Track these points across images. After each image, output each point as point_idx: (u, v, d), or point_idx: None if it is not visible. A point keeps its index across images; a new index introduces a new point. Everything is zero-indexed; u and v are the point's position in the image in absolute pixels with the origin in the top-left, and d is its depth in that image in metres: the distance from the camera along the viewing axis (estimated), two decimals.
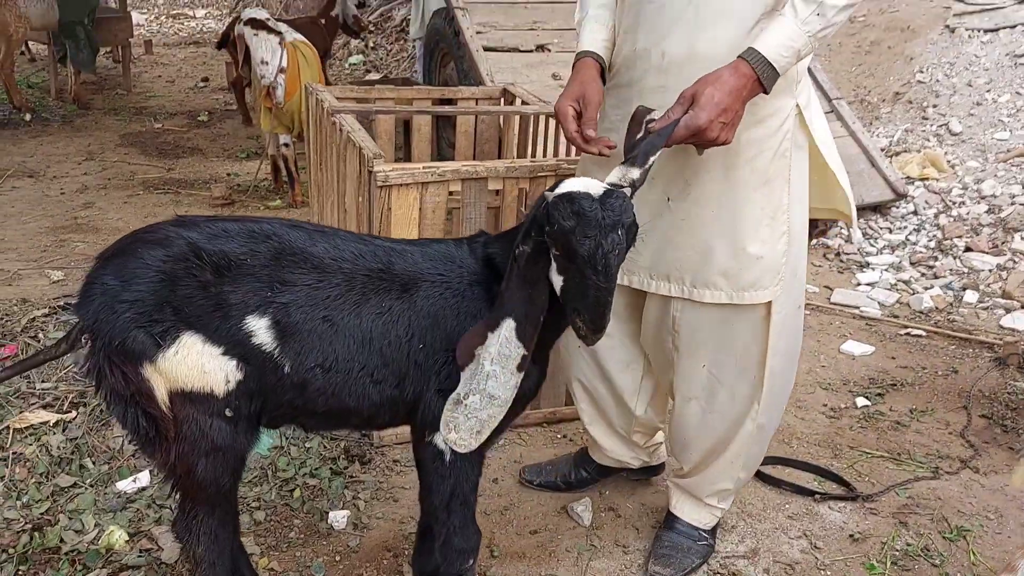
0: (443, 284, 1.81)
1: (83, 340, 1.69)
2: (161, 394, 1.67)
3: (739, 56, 1.78)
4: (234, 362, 1.69)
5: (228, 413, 1.72)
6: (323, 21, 6.88)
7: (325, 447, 2.78)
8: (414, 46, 7.25)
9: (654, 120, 1.79)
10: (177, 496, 1.85)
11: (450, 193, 2.65)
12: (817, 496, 2.66)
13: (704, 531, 2.40)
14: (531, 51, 4.88)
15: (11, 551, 2.24)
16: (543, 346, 1.90)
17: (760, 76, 1.77)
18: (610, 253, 1.57)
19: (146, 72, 9.00)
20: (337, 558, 2.36)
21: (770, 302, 2.05)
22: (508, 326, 1.68)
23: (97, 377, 1.68)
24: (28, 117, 6.89)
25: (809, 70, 2.07)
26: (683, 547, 2.36)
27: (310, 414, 1.82)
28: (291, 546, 2.39)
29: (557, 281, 1.66)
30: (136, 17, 12.56)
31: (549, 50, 4.88)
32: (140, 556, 2.27)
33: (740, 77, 1.76)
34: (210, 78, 8.76)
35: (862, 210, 4.56)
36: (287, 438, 2.77)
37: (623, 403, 2.41)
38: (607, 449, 2.54)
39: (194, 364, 1.66)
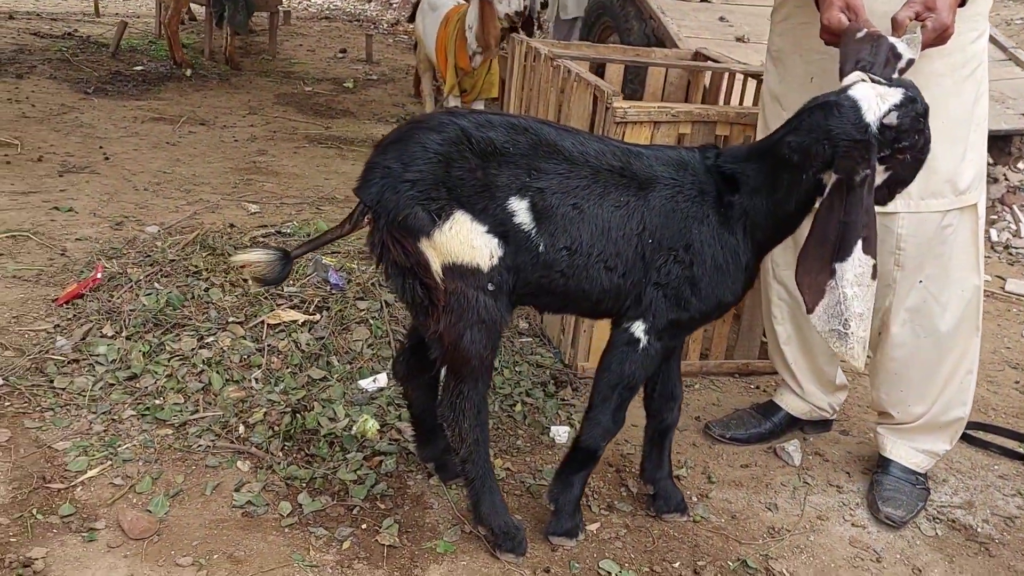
0: (675, 187, 1.96)
1: (365, 220, 1.89)
2: (436, 267, 1.85)
3: None
4: (496, 240, 1.87)
5: (490, 287, 1.89)
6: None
7: (534, 373, 2.91)
8: (552, 28, 7.34)
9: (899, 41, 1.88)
10: (443, 376, 2.01)
11: (680, 136, 2.76)
12: None
13: (920, 475, 2.46)
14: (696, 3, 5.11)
15: (276, 428, 2.42)
16: (761, 254, 2.07)
17: None
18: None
19: (287, 41, 9.31)
20: None
21: (976, 204, 2.22)
22: (858, 246, 1.78)
23: (380, 251, 1.87)
24: (188, 73, 7.21)
25: None
26: (903, 490, 2.42)
27: (549, 293, 1.98)
28: (520, 452, 2.52)
29: (879, 179, 1.82)
30: None
31: (712, 1, 5.09)
32: (391, 445, 2.43)
33: None
34: (347, 50, 9.03)
35: None
36: (500, 360, 2.91)
37: None
38: (805, 392, 2.62)
39: (464, 239, 1.84)
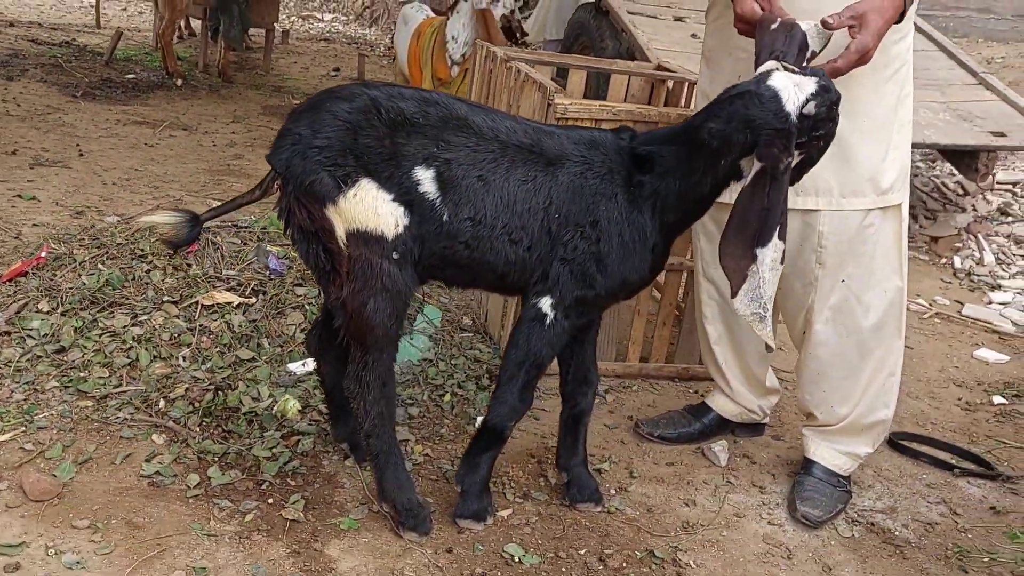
0: (584, 164, 2.00)
1: (276, 186, 1.94)
2: (340, 232, 1.88)
3: None
4: (402, 208, 1.89)
5: (395, 256, 1.91)
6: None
7: (470, 367, 2.91)
8: (539, 47, 7.44)
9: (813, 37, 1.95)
10: (347, 344, 2.03)
11: None
12: (956, 471, 2.67)
13: (842, 477, 2.45)
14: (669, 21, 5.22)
15: (196, 404, 2.43)
16: (670, 236, 2.11)
17: (905, 7, 1.99)
18: None
19: (282, 59, 9.44)
20: None
21: (900, 205, 2.24)
22: (776, 232, 1.83)
23: (287, 216, 1.92)
24: (179, 83, 7.30)
25: None
26: (824, 491, 2.41)
27: (455, 265, 2.00)
28: (443, 439, 2.52)
29: (792, 162, 1.86)
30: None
31: (686, 21, 5.19)
32: (310, 425, 2.43)
33: (895, 8, 1.98)
34: (341, 68, 9.15)
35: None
36: (436, 353, 2.92)
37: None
38: (735, 393, 2.62)
39: (369, 207, 1.87)
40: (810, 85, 1.82)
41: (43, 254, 2.95)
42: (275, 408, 2.44)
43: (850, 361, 2.35)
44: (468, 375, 2.85)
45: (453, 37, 5.04)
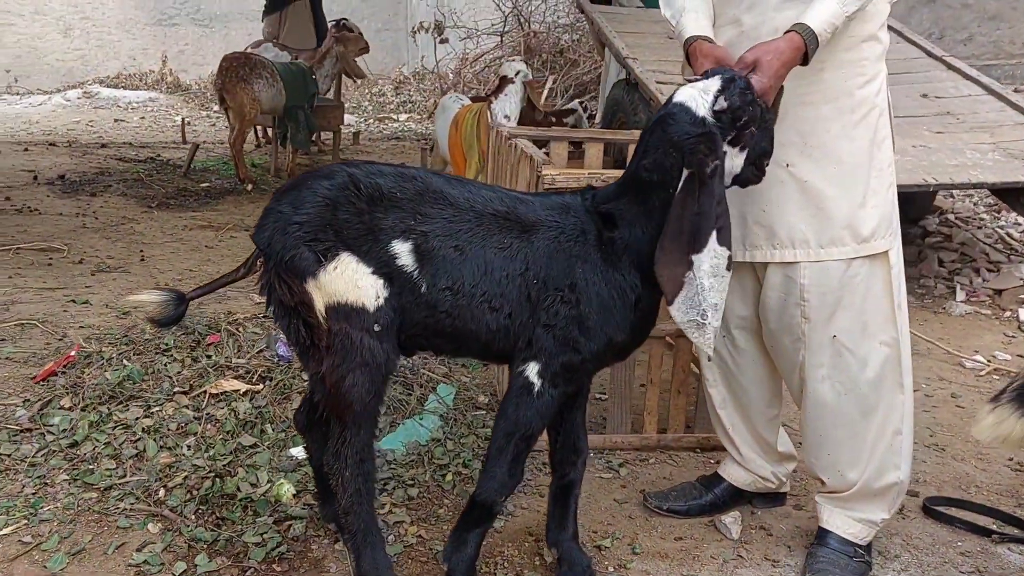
0: (558, 229, 2.00)
1: (258, 263, 1.98)
2: (320, 306, 1.91)
3: (793, 29, 1.96)
4: (382, 281, 1.92)
5: (376, 328, 1.93)
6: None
7: (479, 446, 2.87)
8: None
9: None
10: (327, 420, 2.06)
11: None
12: (995, 537, 2.44)
13: (860, 547, 2.28)
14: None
15: (195, 492, 2.47)
16: (656, 287, 2.02)
17: (808, 47, 1.95)
18: None
19: (351, 158, 9.87)
20: None
21: (887, 252, 2.13)
22: (713, 238, 1.84)
23: (268, 291, 1.96)
24: (249, 187, 7.68)
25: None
26: (839, 563, 2.25)
27: (438, 335, 2.01)
28: (439, 520, 2.47)
29: (739, 159, 1.91)
30: (348, 119, 13.87)
31: None
32: (304, 509, 2.43)
33: (793, 49, 1.95)
34: (406, 164, 9.49)
35: None
36: (445, 433, 2.90)
37: (764, 401, 2.41)
38: (746, 460, 2.49)
39: (349, 280, 1.90)
40: (714, 83, 1.90)
41: (73, 353, 3.10)
42: (270, 492, 2.45)
43: (852, 421, 2.21)
44: (476, 453, 2.81)
45: (507, 116, 5.19)
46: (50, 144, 9.52)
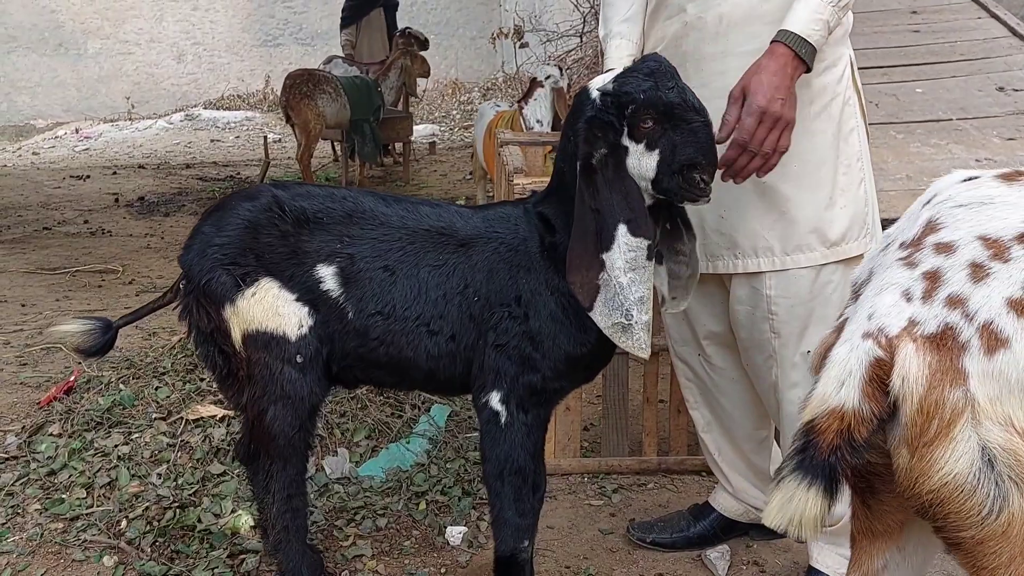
0: (498, 240, 1.84)
1: (181, 286, 1.90)
2: (236, 335, 1.83)
3: (772, 41, 1.74)
4: (306, 308, 1.82)
5: (299, 359, 1.82)
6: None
7: (466, 470, 2.72)
8: None
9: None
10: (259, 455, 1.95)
11: None
12: None
13: None
14: None
15: (155, 523, 2.42)
16: None
17: (797, 52, 1.71)
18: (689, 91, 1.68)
19: (425, 168, 9.86)
20: (443, 571, 2.27)
21: (862, 257, 1.80)
22: (621, 231, 1.67)
23: (187, 316, 1.88)
24: None
25: None
26: None
27: (375, 365, 1.89)
28: (402, 554, 2.34)
29: (651, 161, 1.67)
30: (433, 128, 13.97)
31: None
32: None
33: (778, 58, 1.72)
34: (474, 171, 9.43)
35: None
36: (431, 456, 2.76)
37: (751, 423, 2.15)
38: (736, 488, 2.24)
39: (269, 306, 1.81)
40: (617, 69, 1.78)
41: (72, 378, 3.13)
42: (225, 524, 2.37)
43: None
44: (459, 479, 2.66)
45: (539, 121, 5.04)
46: (139, 167, 9.95)
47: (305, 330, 1.82)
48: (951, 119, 3.53)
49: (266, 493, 1.94)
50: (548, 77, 4.88)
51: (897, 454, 1.14)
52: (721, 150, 1.73)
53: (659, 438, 2.77)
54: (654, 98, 1.64)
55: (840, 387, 1.14)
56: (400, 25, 10.22)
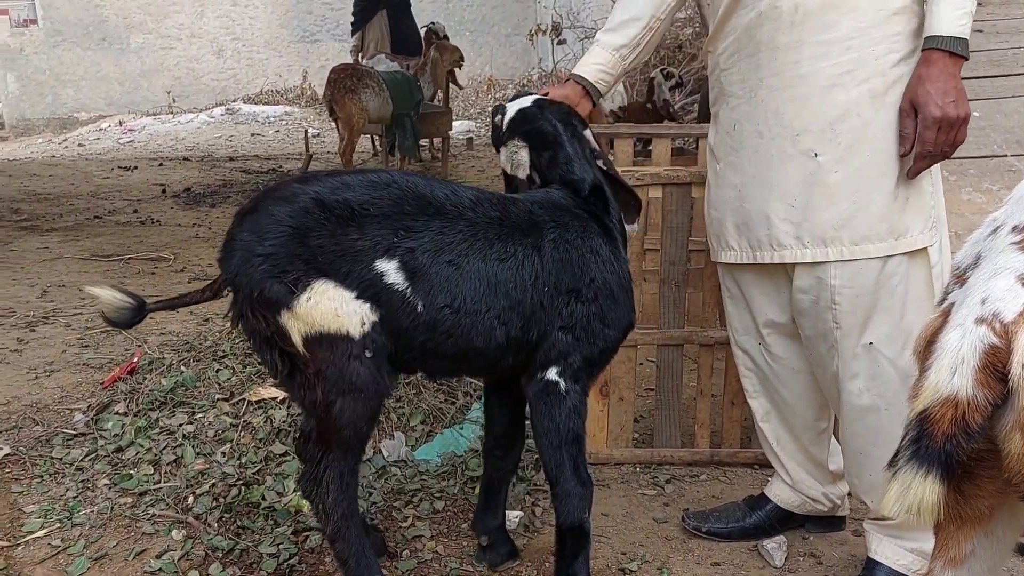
0: (561, 228, 1.90)
1: (225, 291, 1.87)
2: (296, 338, 1.77)
3: (923, 49, 1.79)
4: (368, 304, 1.76)
5: (367, 354, 1.78)
6: (649, 106, 7.20)
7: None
8: None
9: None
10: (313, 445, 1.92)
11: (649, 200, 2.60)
12: None
13: None
14: None
15: (221, 500, 2.48)
16: None
17: (952, 51, 1.75)
18: None
19: (463, 164, 9.92)
20: None
21: (927, 249, 1.88)
22: None
23: (242, 322, 1.83)
24: None
25: None
26: None
27: (439, 356, 1.86)
28: (460, 536, 2.38)
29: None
30: (469, 124, 14.00)
31: None
32: None
33: (935, 63, 1.77)
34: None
35: None
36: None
37: (811, 413, 2.18)
38: (794, 479, 2.26)
39: (328, 308, 1.74)
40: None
41: (135, 360, 3.21)
42: (290, 503, 2.43)
43: (894, 439, 1.94)
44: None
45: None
46: (184, 159, 10.11)
47: (368, 326, 1.77)
48: (1005, 155, 3.26)
49: (318, 484, 1.90)
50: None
51: (1009, 440, 1.13)
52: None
53: (711, 430, 2.78)
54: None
55: (953, 375, 1.14)
56: (431, 20, 10.24)
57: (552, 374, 1.89)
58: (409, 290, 1.78)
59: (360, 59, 9.59)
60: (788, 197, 1.95)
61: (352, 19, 10.15)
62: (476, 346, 1.85)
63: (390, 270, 1.77)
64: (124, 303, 1.89)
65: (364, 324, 1.77)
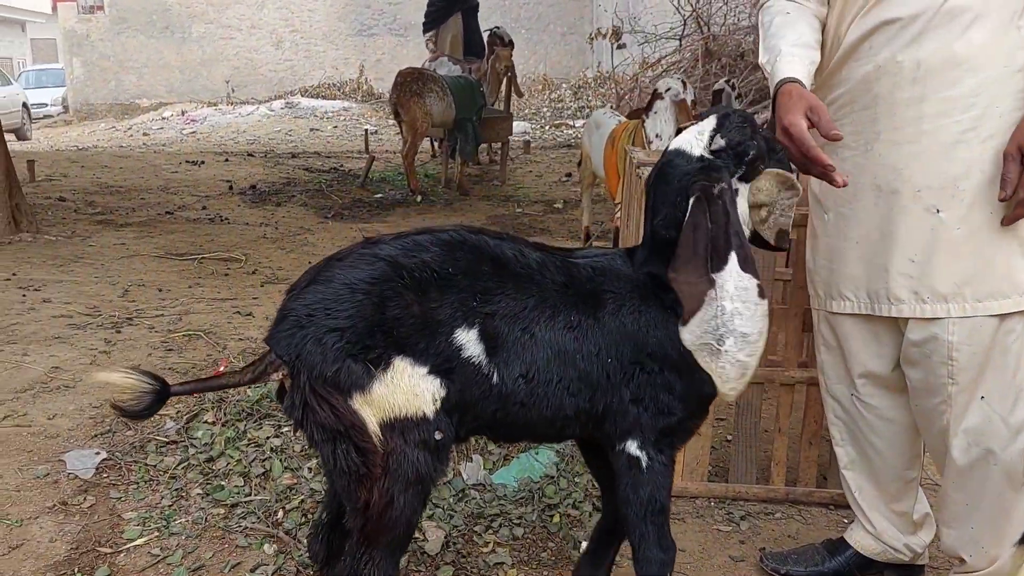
0: (620, 299, 1.81)
1: (276, 374, 1.65)
2: (373, 426, 1.61)
3: None
4: (438, 380, 1.65)
5: (438, 436, 1.66)
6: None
7: (593, 485, 2.81)
8: None
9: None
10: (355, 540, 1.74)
11: None
12: None
13: None
14: None
15: (310, 516, 2.57)
16: None
17: None
18: None
19: (520, 168, 9.99)
20: None
21: None
22: (734, 261, 1.71)
23: (302, 413, 1.62)
24: (419, 199, 7.96)
25: None
26: None
27: (506, 426, 1.80)
28: (541, 564, 2.44)
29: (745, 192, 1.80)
30: (524, 125, 14.06)
31: None
32: (411, 543, 2.47)
33: None
34: (572, 173, 9.47)
35: None
36: (559, 469, 2.86)
37: (902, 463, 2.20)
38: (877, 528, 2.27)
39: (406, 388, 1.61)
40: (709, 122, 1.80)
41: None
42: None
43: (1000, 494, 1.97)
44: (588, 494, 2.76)
45: (657, 135, 5.06)
46: (248, 154, 10.32)
47: (439, 404, 1.65)
48: None
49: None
50: (668, 89, 4.90)
51: None
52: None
53: (787, 467, 2.81)
54: (762, 145, 1.77)
55: None
56: (492, 21, 10.34)
57: (633, 448, 1.84)
58: (487, 361, 1.69)
59: (427, 61, 9.69)
60: (909, 252, 1.94)
61: (424, 19, 10.28)
62: (546, 416, 1.79)
63: (470, 341, 1.67)
64: (142, 386, 1.62)
65: (435, 401, 1.65)
